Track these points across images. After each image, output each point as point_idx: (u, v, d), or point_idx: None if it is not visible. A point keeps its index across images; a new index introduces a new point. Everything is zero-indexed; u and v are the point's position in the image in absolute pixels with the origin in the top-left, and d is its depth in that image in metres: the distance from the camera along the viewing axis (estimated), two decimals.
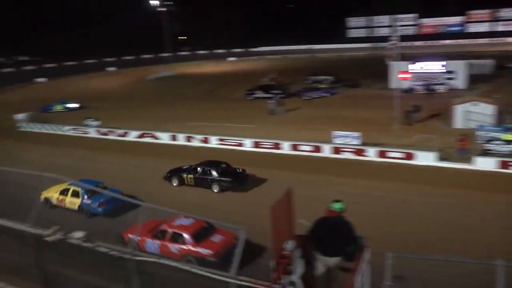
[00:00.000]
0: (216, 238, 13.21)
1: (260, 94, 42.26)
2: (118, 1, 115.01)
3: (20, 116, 37.31)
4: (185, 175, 20.36)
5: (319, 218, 7.04)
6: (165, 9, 69.73)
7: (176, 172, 20.68)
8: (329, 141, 24.05)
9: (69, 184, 17.38)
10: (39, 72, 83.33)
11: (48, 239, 7.71)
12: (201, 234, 13.16)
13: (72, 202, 17.60)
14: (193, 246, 12.87)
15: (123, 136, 31.13)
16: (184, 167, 20.81)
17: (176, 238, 13.20)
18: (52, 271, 8.65)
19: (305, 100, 39.73)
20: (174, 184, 20.75)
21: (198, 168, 20.17)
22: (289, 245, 6.53)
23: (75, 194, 17.50)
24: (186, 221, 13.58)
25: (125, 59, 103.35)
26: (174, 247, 13.01)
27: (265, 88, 43.11)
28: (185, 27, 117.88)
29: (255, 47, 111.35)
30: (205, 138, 27.77)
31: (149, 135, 29.98)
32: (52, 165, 23.13)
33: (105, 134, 32.02)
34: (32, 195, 8.46)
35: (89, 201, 17.11)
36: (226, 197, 19.14)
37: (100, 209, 16.82)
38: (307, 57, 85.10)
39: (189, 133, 28.42)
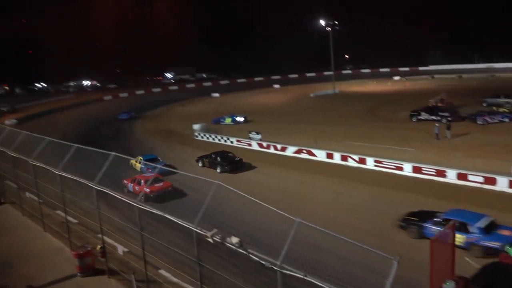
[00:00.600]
0: (158, 184, 22.05)
1: (425, 116, 39.76)
2: (285, 22, 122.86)
3: (196, 126, 42.13)
4: (205, 160, 28.41)
5: (492, 262, 6.19)
6: (330, 28, 71.18)
7: (202, 157, 28.92)
8: (508, 173, 20.84)
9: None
10: (214, 88, 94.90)
11: (209, 240, 8.47)
12: (150, 181, 20.37)
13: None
14: (143, 187, 19.72)
15: (281, 150, 31.96)
16: (206, 154, 28.94)
17: (139, 182, 22.63)
18: (208, 269, 9.41)
19: (479, 124, 35.62)
20: (200, 165, 29.11)
21: (212, 155, 28.50)
22: (449, 286, 5.74)
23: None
24: (148, 174, 23.47)
25: (290, 77, 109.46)
26: (136, 187, 22.08)
27: (432, 110, 40.03)
28: (350, 46, 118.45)
29: (424, 66, 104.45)
30: (362, 158, 26.70)
31: (306, 151, 30.03)
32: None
33: (266, 147, 33.27)
34: (197, 196, 9.40)
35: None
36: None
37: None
38: (485, 77, 76.10)
39: (345, 152, 27.80)
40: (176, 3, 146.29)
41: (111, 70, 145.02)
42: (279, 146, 32.31)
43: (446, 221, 14.53)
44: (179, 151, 35.07)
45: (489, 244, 14.09)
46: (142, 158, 27.81)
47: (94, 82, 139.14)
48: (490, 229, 14.40)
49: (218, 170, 27.44)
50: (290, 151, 31.33)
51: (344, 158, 27.70)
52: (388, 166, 25.44)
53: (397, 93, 64.36)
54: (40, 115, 63.90)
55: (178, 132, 44.72)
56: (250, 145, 34.69)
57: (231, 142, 36.43)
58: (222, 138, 37.42)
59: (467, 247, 14.40)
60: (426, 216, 16.22)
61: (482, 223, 14.39)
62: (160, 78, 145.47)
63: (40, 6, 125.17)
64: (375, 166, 25.98)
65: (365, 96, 65.17)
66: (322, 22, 72.62)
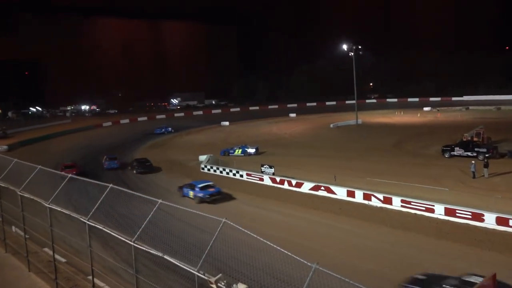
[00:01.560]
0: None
1: (460, 151, 39.36)
2: (304, 47, 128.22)
3: (202, 157, 42.43)
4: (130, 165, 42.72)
5: None
6: (353, 53, 71.90)
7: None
8: None
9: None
10: (224, 115, 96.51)
11: (212, 286, 8.29)
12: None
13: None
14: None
15: (296, 186, 31.61)
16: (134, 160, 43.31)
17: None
18: None
19: None
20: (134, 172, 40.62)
21: (134, 162, 42.35)
22: None
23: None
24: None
25: (308, 106, 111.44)
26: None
27: (467, 145, 39.64)
28: (375, 73, 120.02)
29: (458, 96, 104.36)
30: (387, 198, 26.18)
31: (324, 188, 29.66)
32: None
33: (279, 182, 32.99)
34: (202, 235, 9.05)
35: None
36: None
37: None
38: None
39: (368, 190, 27.35)
40: (185, 26, 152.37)
41: (113, 95, 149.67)
42: (294, 182, 32.06)
43: None
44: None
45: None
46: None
47: (94, 107, 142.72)
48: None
49: (134, 171, 41.13)
50: (306, 187, 31.04)
51: (367, 197, 27.29)
52: (416, 207, 24.92)
53: (428, 126, 64.25)
54: (33, 141, 65.07)
55: (183, 163, 44.87)
56: (262, 179, 34.65)
57: (241, 175, 36.28)
58: (231, 171, 37.27)
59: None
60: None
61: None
62: (165, 104, 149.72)
63: (40, 26, 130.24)
64: (402, 206, 25.49)
65: (392, 128, 65.22)
66: (345, 47, 73.18)
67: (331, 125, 70.60)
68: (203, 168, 40.56)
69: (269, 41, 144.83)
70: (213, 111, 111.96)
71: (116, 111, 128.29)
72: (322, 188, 29.83)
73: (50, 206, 14.03)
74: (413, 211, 24.95)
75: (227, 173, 37.59)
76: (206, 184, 30.87)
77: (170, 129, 73.54)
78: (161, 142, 63.63)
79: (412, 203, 25.18)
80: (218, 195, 29.80)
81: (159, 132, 72.72)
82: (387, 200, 26.20)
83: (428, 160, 39.09)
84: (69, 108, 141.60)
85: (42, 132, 76.11)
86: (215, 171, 39.02)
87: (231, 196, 31.25)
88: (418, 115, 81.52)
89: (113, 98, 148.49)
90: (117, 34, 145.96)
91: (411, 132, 57.79)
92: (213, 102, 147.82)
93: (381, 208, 26.35)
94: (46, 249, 17.32)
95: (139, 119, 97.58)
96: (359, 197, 27.56)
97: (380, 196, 26.60)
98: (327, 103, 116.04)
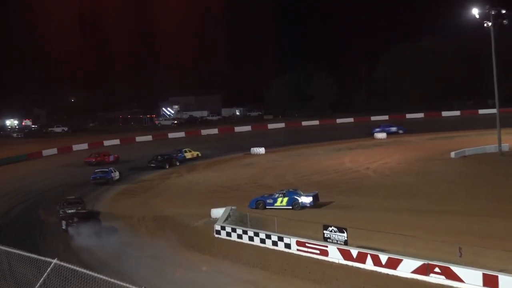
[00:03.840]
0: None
1: None
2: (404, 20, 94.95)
3: (216, 212, 33.38)
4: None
5: None
6: (489, 24, 51.17)
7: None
8: None
9: None
10: (256, 136, 79.43)
11: None
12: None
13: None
14: None
15: (388, 266, 24.47)
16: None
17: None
18: None
19: None
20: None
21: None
22: None
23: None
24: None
25: (409, 118, 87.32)
26: None
27: None
28: None
29: None
30: None
31: (440, 269, 23.04)
32: None
33: (356, 257, 25.89)
34: None
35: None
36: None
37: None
38: None
39: None
40: None
41: (61, 101, 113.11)
42: (383, 258, 24.97)
43: None
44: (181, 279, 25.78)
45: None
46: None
47: (27, 122, 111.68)
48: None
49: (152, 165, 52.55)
50: (406, 267, 24.27)
51: None
52: None
53: None
54: None
55: (182, 222, 35.12)
56: (324, 252, 27.11)
57: (287, 245, 28.69)
58: (269, 237, 29.41)
59: None
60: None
61: None
62: (152, 116, 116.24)
63: None
64: None
65: None
66: (475, 13, 51.87)
67: (452, 154, 53.76)
68: (218, 232, 31.54)
69: (336, 9, 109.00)
70: (237, 129, 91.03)
71: (66, 128, 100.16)
72: (437, 269, 23.49)
73: None
74: None
75: (262, 241, 29.51)
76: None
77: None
78: (146, 182, 50.96)
79: None
80: None
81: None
82: None
83: None
84: None
85: None
86: (240, 236, 30.50)
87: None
88: None
89: (61, 106, 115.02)
90: None
91: None
92: (237, 113, 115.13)
93: None
94: None
95: (106, 142, 77.71)
96: (506, 286, 21.87)
97: None
98: (444, 113, 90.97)
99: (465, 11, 48.98)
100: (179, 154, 60.09)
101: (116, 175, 49.81)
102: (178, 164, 55.86)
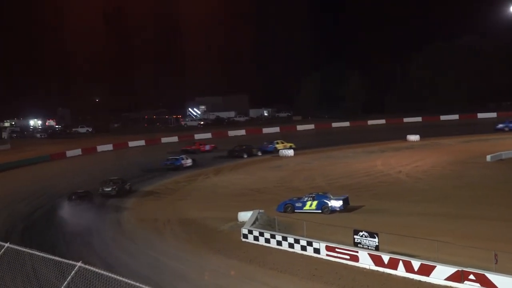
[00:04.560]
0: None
1: None
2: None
3: (243, 215, 32.75)
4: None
5: None
6: None
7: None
8: None
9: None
10: (285, 137, 77.08)
11: None
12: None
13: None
14: None
15: (420, 272, 23.83)
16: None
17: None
18: None
19: None
20: None
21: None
22: None
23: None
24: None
25: (444, 120, 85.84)
26: None
27: None
28: None
29: None
30: None
31: (475, 276, 22.10)
32: None
33: (387, 263, 24.97)
34: None
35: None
36: None
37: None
38: None
39: None
40: None
41: (85, 101, 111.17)
42: (415, 264, 24.35)
43: None
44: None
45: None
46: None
47: (51, 122, 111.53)
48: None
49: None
50: (440, 274, 23.42)
51: None
52: None
53: None
54: None
55: (208, 226, 34.80)
56: (355, 258, 26.49)
57: (316, 250, 28.04)
58: (297, 242, 28.81)
59: None
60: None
61: None
62: (178, 117, 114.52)
63: None
64: None
65: None
66: None
67: (489, 157, 52.80)
68: (245, 236, 31.02)
69: (367, 7, 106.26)
70: (265, 130, 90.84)
71: (90, 129, 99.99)
72: (471, 276, 22.63)
73: None
74: None
75: (290, 246, 29.00)
76: None
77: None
78: (171, 184, 50.41)
79: None
80: None
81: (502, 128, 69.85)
82: None
83: None
84: (6, 124, 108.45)
85: None
86: (267, 240, 29.94)
87: None
88: None
89: (85, 107, 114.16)
90: None
91: None
92: (265, 113, 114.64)
93: None
94: None
95: (131, 143, 77.89)
96: None
97: None
98: (480, 114, 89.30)
99: (504, 8, 47.51)
100: (270, 146, 63.28)
101: (188, 162, 55.21)
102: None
